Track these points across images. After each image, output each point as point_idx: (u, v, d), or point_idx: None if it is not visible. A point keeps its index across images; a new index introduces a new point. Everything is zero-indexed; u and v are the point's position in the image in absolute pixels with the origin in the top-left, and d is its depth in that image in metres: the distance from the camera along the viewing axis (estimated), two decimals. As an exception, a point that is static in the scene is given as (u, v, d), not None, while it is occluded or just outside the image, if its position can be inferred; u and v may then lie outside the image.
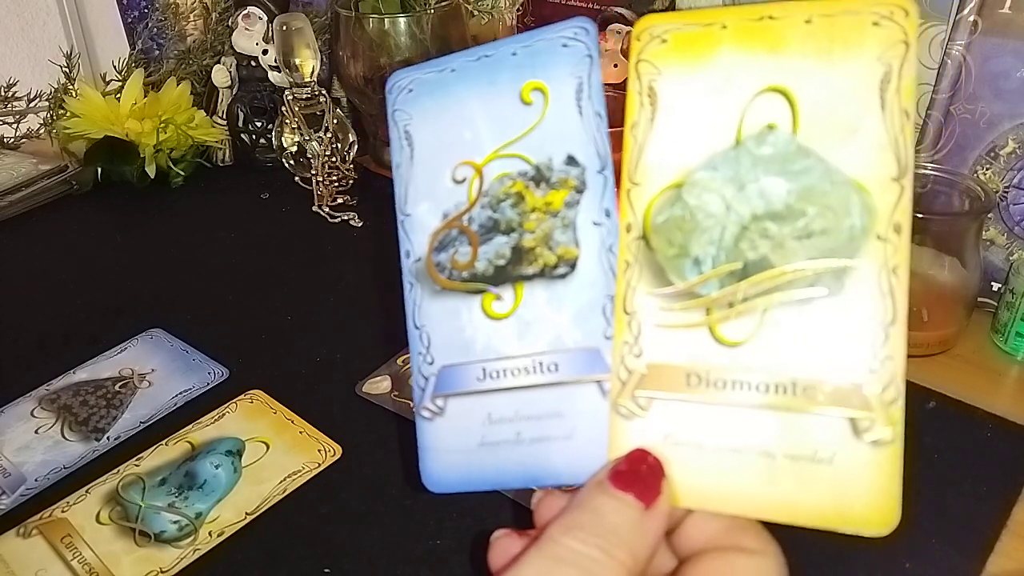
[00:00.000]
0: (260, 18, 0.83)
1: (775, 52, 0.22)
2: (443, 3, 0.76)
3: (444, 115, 0.27)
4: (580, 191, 0.25)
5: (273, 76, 0.84)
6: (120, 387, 0.56)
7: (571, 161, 0.25)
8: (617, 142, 0.25)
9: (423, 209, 0.28)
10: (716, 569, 0.22)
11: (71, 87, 0.83)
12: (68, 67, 0.84)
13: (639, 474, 0.22)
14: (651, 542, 0.22)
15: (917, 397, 0.52)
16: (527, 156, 0.26)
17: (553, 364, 0.25)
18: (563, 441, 0.25)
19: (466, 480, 0.26)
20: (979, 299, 0.59)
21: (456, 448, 0.26)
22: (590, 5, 0.79)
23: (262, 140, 0.86)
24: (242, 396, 0.54)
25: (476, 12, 0.84)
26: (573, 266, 0.25)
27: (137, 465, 0.48)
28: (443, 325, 0.27)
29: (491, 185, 0.26)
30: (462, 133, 0.27)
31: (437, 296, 0.27)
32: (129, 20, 0.95)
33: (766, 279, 0.22)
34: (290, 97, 0.74)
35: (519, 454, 0.25)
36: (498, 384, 0.26)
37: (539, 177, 0.26)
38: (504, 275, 0.26)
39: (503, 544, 0.24)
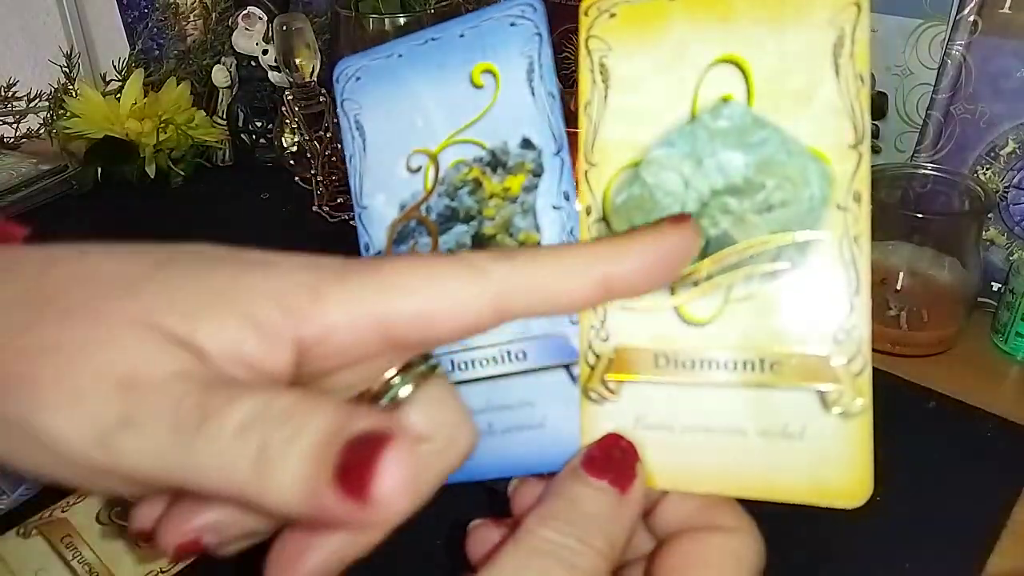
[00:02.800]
0: (260, 18, 0.83)
1: (726, 21, 0.21)
2: (443, 3, 0.76)
3: (394, 102, 0.27)
4: (537, 174, 0.24)
5: (273, 76, 0.84)
6: (120, 387, 0.55)
7: (526, 144, 0.25)
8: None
9: (379, 201, 0.27)
10: (693, 548, 0.22)
11: (71, 87, 0.83)
12: (68, 67, 0.85)
13: (613, 459, 0.22)
14: (628, 527, 0.22)
15: (917, 397, 0.52)
16: (481, 141, 0.25)
17: (521, 352, 0.24)
18: (535, 430, 0.24)
19: None
20: (979, 299, 0.59)
21: None
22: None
23: (262, 140, 0.86)
24: (242, 396, 0.54)
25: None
26: None
27: (137, 465, 0.48)
28: None
29: (447, 172, 0.26)
30: (414, 120, 0.26)
31: None
32: (129, 20, 0.95)
33: (729, 255, 0.22)
34: (290, 97, 0.74)
35: (492, 445, 0.25)
36: (467, 375, 0.25)
37: (495, 162, 0.25)
38: None
39: (480, 534, 0.24)
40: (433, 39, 0.26)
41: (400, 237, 0.27)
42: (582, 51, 0.23)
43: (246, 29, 0.83)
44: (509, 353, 0.25)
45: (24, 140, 0.89)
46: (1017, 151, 0.59)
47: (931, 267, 0.58)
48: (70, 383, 0.17)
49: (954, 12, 0.59)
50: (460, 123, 0.25)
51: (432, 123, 0.26)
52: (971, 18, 0.58)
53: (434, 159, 0.26)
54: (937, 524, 0.43)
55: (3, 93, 0.87)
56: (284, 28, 0.71)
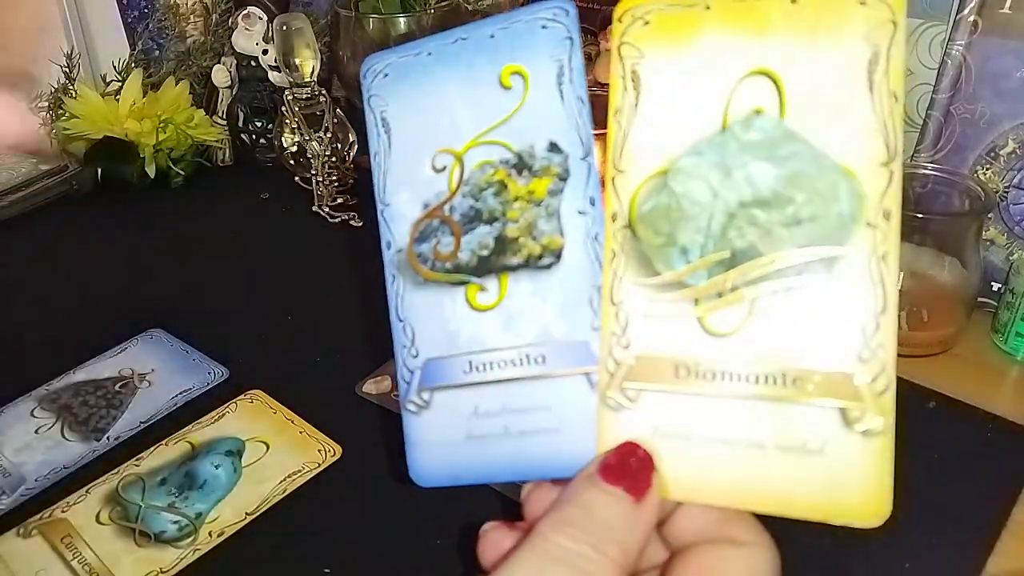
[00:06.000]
0: (260, 18, 0.83)
1: (760, 34, 0.21)
2: (443, 3, 0.76)
3: (421, 101, 0.27)
4: (563, 179, 0.24)
5: (273, 76, 0.84)
6: (120, 387, 0.56)
7: (553, 148, 0.25)
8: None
9: (403, 199, 0.27)
10: (707, 561, 0.22)
11: (71, 87, 0.83)
12: (68, 67, 0.84)
13: (629, 467, 0.22)
14: (642, 536, 0.21)
15: (917, 397, 0.52)
16: (508, 143, 0.25)
17: (540, 356, 0.24)
18: (551, 434, 0.24)
19: (453, 474, 0.26)
20: (979, 299, 0.59)
21: (443, 442, 0.26)
22: (590, 5, 0.79)
23: (262, 140, 0.86)
24: (242, 396, 0.54)
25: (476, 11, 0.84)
26: (558, 256, 0.24)
27: (137, 465, 0.48)
28: (427, 317, 0.26)
29: (472, 173, 0.26)
30: (440, 119, 0.26)
31: (420, 288, 0.27)
32: (129, 20, 0.95)
33: (755, 268, 0.22)
34: (290, 97, 0.74)
35: (507, 448, 0.25)
36: (484, 377, 0.25)
37: (521, 165, 0.25)
38: (488, 266, 0.25)
39: (493, 537, 0.24)
40: (463, 38, 0.26)
41: (422, 236, 0.27)
42: (614, 57, 0.23)
43: (246, 29, 0.83)
44: (528, 357, 0.25)
45: (24, 140, 0.89)
46: (1017, 151, 0.59)
47: (931, 267, 0.58)
48: None
49: (954, 12, 0.59)
50: (487, 124, 0.25)
51: (459, 123, 0.26)
52: (971, 18, 0.58)
53: (459, 159, 0.26)
54: (937, 524, 0.43)
55: (3, 93, 0.87)
56: (284, 28, 0.71)
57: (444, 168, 0.26)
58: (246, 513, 0.45)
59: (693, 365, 0.22)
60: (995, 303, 0.59)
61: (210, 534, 0.44)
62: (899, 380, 0.59)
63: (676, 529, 0.23)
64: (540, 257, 0.25)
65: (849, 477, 0.21)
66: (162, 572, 0.42)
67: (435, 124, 0.26)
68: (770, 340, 0.21)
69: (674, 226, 0.22)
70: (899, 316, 0.57)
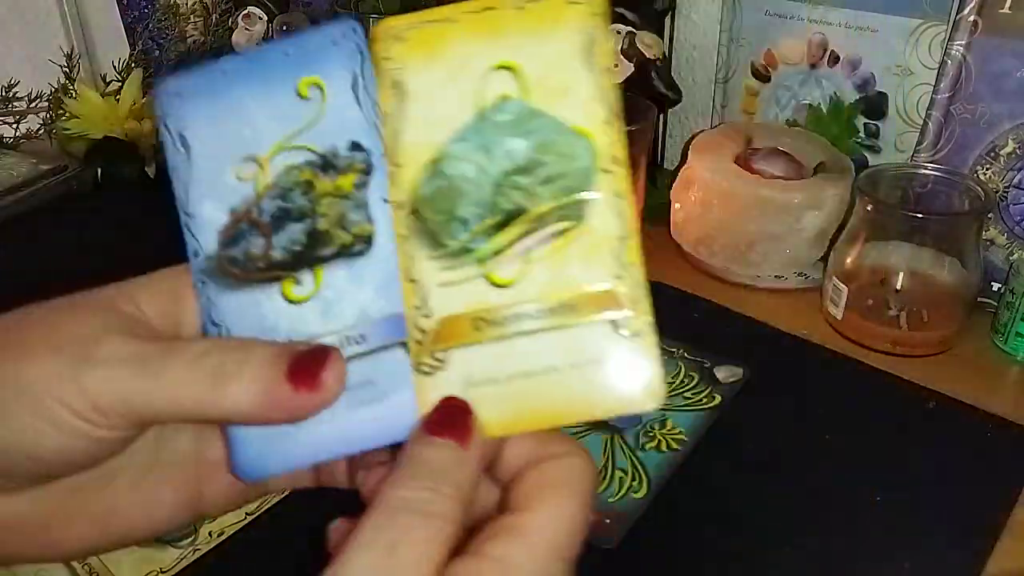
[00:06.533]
0: (260, 18, 0.83)
1: (498, 36, 0.26)
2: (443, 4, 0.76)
3: (220, 116, 0.28)
4: (368, 172, 0.27)
5: (273, 76, 0.84)
6: (120, 387, 0.55)
7: (355, 147, 0.27)
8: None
9: (208, 208, 0.28)
10: (536, 480, 0.25)
11: (71, 88, 0.83)
12: (68, 67, 0.85)
13: (449, 419, 0.25)
14: (473, 474, 0.24)
15: (917, 397, 0.52)
16: (312, 146, 0.27)
17: (360, 336, 0.26)
18: (376, 406, 0.26)
19: (285, 461, 0.27)
20: (979, 299, 0.59)
21: (270, 433, 0.26)
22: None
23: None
24: (242, 396, 0.54)
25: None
26: (370, 242, 0.26)
27: (137, 465, 0.48)
28: (243, 318, 0.27)
29: (279, 177, 0.27)
30: (241, 131, 0.27)
31: (233, 290, 0.27)
32: (129, 20, 0.95)
33: (523, 222, 0.26)
34: (290, 97, 0.74)
35: (335, 427, 0.26)
36: None
37: (326, 164, 0.27)
38: (302, 260, 0.27)
39: (341, 530, 0.25)
40: (257, 57, 0.28)
41: (232, 241, 0.27)
42: (378, 71, 0.27)
43: (246, 29, 0.83)
44: (348, 338, 0.26)
45: (24, 140, 0.89)
46: (1017, 151, 0.59)
47: (931, 267, 0.58)
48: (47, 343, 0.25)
49: (954, 12, 0.60)
50: (289, 131, 0.27)
51: (260, 132, 0.27)
52: (971, 18, 0.58)
53: (264, 165, 0.27)
54: (937, 524, 0.43)
55: (3, 93, 0.87)
56: (284, 28, 0.71)
57: (249, 175, 0.27)
58: (246, 513, 0.45)
59: (487, 316, 0.26)
60: (995, 303, 0.60)
61: (210, 534, 0.44)
62: (899, 380, 0.58)
63: (505, 464, 0.26)
64: (352, 245, 0.27)
65: (627, 373, 0.25)
66: (162, 572, 0.42)
67: (236, 135, 0.28)
68: (547, 278, 0.26)
69: (452, 203, 0.26)
70: (899, 316, 0.57)
